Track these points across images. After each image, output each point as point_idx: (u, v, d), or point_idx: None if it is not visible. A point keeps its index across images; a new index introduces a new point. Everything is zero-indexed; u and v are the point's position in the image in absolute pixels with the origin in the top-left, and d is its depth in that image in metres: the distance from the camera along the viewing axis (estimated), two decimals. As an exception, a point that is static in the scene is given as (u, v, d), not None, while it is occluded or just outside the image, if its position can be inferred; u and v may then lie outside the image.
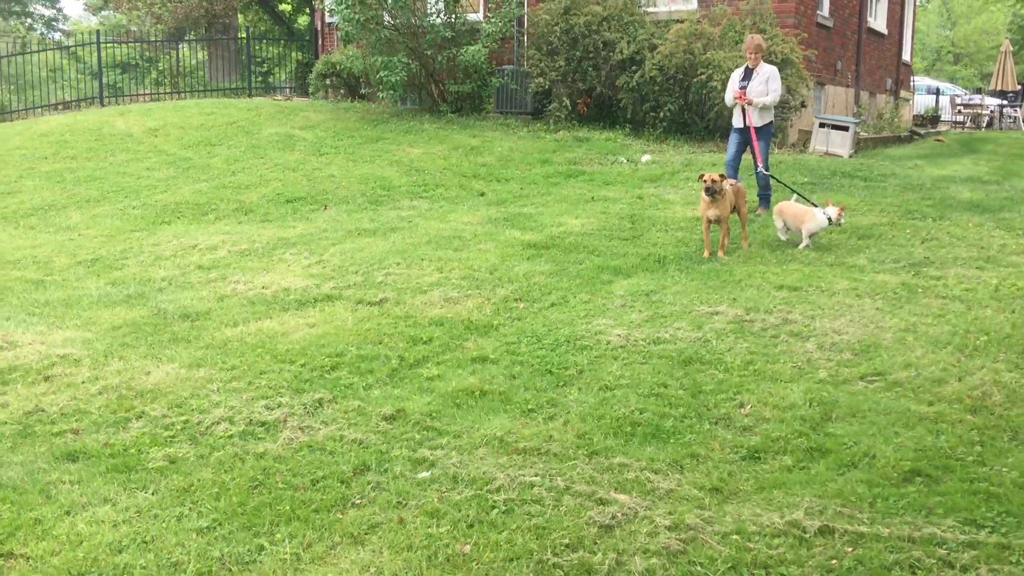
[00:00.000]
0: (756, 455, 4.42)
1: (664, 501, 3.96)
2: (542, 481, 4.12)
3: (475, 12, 16.59)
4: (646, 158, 13.34)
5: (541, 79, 15.11)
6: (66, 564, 3.45)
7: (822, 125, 14.38)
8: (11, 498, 3.96)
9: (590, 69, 14.82)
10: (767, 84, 10.09)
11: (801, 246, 8.59)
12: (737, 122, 10.43)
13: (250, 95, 20.25)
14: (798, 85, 14.16)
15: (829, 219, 8.44)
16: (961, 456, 4.34)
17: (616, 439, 4.60)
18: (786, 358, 5.69)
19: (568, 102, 15.07)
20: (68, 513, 3.86)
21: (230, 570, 3.44)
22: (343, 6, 14.58)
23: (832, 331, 6.14)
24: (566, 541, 3.62)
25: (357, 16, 14.46)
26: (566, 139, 14.45)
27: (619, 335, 6.14)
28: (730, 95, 10.38)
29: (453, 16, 15.42)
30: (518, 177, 12.53)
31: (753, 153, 10.25)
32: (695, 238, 8.98)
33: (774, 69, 10.23)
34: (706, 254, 8.43)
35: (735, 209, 8.77)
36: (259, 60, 25.53)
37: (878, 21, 20.34)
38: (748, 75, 10.28)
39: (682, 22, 14.45)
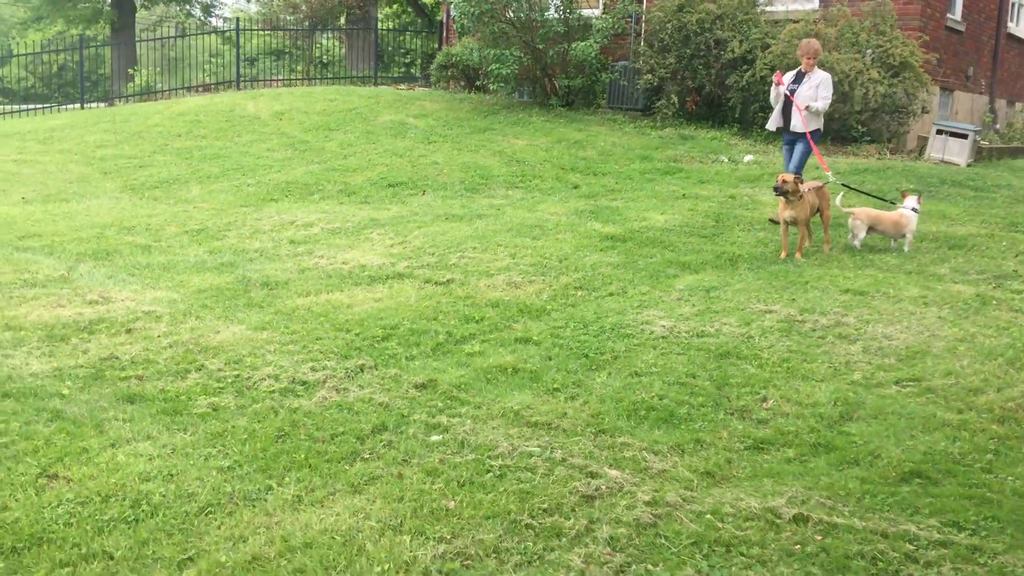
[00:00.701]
0: (760, 446, 4.51)
1: (653, 480, 4.12)
2: (541, 452, 4.35)
3: (593, 8, 16.74)
4: (748, 158, 13.23)
5: (651, 76, 15.16)
6: (98, 487, 3.90)
7: (939, 132, 13.87)
8: (68, 429, 4.46)
9: (700, 67, 14.76)
10: (816, 90, 9.59)
11: (907, 249, 8.51)
12: (771, 124, 10.11)
13: (375, 83, 21.03)
14: (917, 90, 13.73)
15: (914, 209, 8.51)
16: (969, 463, 4.31)
17: (628, 421, 4.77)
18: (824, 358, 5.70)
19: (676, 99, 15.06)
20: (113, 445, 4.33)
21: (236, 504, 3.82)
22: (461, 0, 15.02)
23: (883, 336, 6.09)
24: (545, 506, 3.84)
25: (473, 9, 14.86)
26: (671, 136, 14.46)
27: (664, 326, 6.26)
28: (774, 95, 9.98)
29: (568, 11, 15.63)
30: (615, 172, 12.66)
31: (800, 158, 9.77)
32: (776, 239, 8.94)
33: (827, 76, 9.74)
34: (783, 255, 8.40)
35: (818, 211, 8.69)
36: (390, 51, 26.43)
37: (1020, 27, 19.36)
38: (799, 79, 9.77)
39: (798, 22, 14.22)
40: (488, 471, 4.14)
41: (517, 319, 6.50)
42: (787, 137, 9.92)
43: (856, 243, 8.70)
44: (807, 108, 9.49)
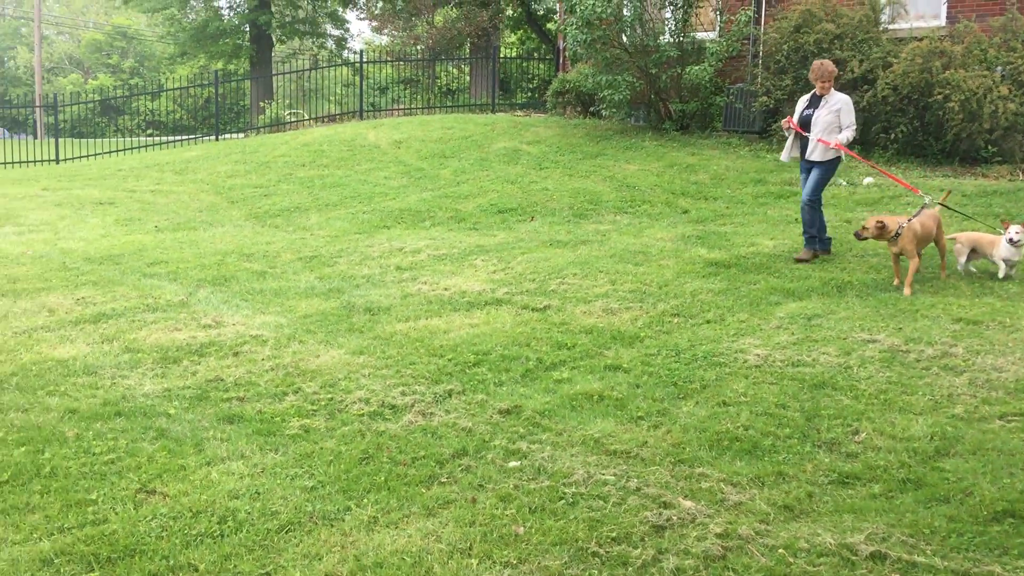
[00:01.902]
0: (846, 480, 4.38)
1: (728, 512, 4.06)
2: (616, 480, 4.34)
3: (707, 31, 16.61)
4: (868, 180, 12.82)
5: (767, 98, 14.89)
6: (190, 503, 4.13)
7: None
8: (170, 447, 4.74)
9: (818, 88, 14.42)
10: (838, 116, 8.94)
11: (1000, 275, 8.11)
12: (784, 155, 9.50)
13: (493, 111, 21.39)
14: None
15: (1012, 241, 7.92)
16: (1072, 504, 4.07)
17: (709, 451, 4.71)
18: (925, 391, 5.48)
19: (793, 122, 14.75)
20: (208, 464, 4.57)
21: (315, 523, 3.97)
22: (573, 27, 15.16)
23: (992, 368, 5.81)
24: (614, 535, 3.84)
25: (585, 36, 14.97)
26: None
27: (758, 355, 6.15)
28: (789, 135, 9.37)
29: (682, 35, 15.56)
30: (727, 196, 12.48)
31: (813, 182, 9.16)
32: (890, 265, 8.63)
33: (847, 99, 9.04)
34: (895, 282, 8.11)
35: (934, 240, 8.37)
36: (515, 77, 26.87)
37: None
38: (815, 103, 9.14)
39: (922, 40, 13.73)
40: (561, 498, 4.17)
41: (609, 346, 6.51)
42: (804, 165, 9.33)
43: (961, 268, 8.37)
44: (833, 146, 8.91)
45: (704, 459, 4.62)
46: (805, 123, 9.18)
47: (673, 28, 15.75)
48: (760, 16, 16.13)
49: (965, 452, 4.64)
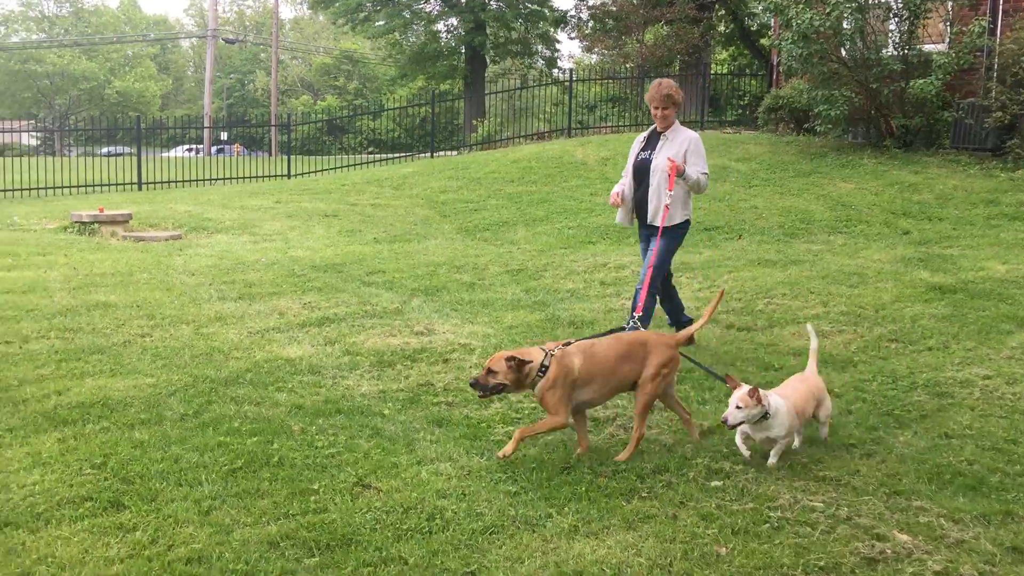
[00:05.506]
0: (1086, 526, 4.01)
1: (949, 549, 3.81)
2: (825, 508, 4.18)
3: (935, 43, 15.68)
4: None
5: (1002, 113, 13.87)
6: (402, 499, 4.33)
7: None
8: (384, 445, 5.00)
9: (1063, 102, 13.30)
10: (685, 157, 6.63)
11: None
12: (620, 218, 7.12)
13: (701, 128, 21.12)
14: None
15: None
16: None
17: (928, 485, 4.45)
18: None
19: (1033, 138, 13.66)
20: (419, 463, 4.78)
21: (518, 527, 4.07)
22: (789, 41, 14.74)
23: None
24: (821, 563, 3.70)
25: (801, 51, 14.52)
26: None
27: (987, 385, 5.75)
28: (622, 183, 7.05)
29: (907, 47, 14.78)
30: (953, 217, 11.73)
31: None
32: None
33: (695, 136, 6.77)
34: None
35: None
36: (726, 93, 26.45)
37: None
38: (652, 143, 6.89)
39: None
40: (765, 522, 4.07)
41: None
42: (643, 232, 7.11)
43: None
44: (679, 173, 6.50)
45: (922, 492, 4.36)
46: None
47: (897, 40, 14.99)
48: (996, 26, 15.05)
49: None
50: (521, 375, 4.77)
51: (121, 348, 6.89)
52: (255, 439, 5.06)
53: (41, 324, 7.50)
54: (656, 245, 6.66)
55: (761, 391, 4.64)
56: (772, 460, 4.69)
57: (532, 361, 4.78)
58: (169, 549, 3.84)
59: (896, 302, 7.91)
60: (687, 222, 6.93)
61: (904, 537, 3.91)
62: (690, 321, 7.01)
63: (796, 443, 4.91)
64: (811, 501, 4.26)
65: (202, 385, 6.01)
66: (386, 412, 5.55)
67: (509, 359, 4.74)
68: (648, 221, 6.85)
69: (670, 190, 6.60)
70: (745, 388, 4.64)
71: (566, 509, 4.24)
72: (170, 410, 5.53)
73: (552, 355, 4.82)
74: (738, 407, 4.60)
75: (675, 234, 6.88)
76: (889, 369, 6.20)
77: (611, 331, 5.66)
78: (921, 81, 14.17)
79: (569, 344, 4.96)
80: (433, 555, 3.84)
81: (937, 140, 15.47)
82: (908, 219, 11.84)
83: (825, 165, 14.80)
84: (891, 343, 6.83)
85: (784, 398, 4.73)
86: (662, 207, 6.65)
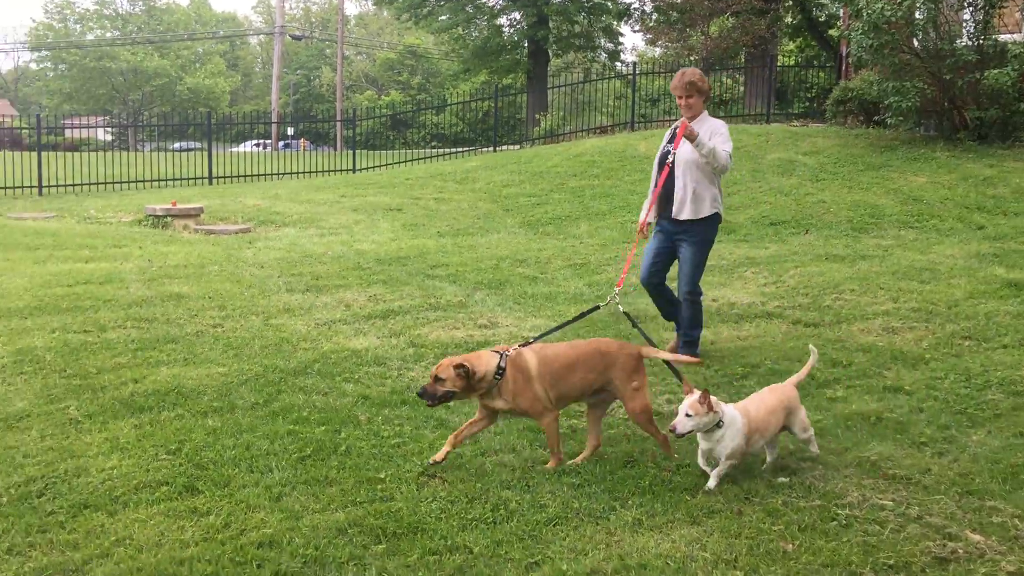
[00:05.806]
0: None
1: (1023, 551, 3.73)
2: (895, 507, 4.12)
3: (1013, 32, 15.23)
4: None
5: (1083, 103, 13.43)
6: (466, 489, 4.38)
7: None
8: (448, 435, 5.04)
9: None
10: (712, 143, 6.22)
11: None
12: (646, 213, 6.71)
13: (767, 121, 20.83)
14: None
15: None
16: None
17: (1002, 484, 4.35)
18: None
19: (1115, 130, 13.20)
20: (482, 454, 4.84)
21: (581, 519, 4.09)
22: (859, 32, 14.45)
23: None
24: (891, 562, 3.64)
25: (871, 41, 14.22)
26: (1105, 172, 12.69)
27: (1065, 385, 5.59)
28: (655, 174, 6.69)
29: (982, 37, 14.38)
30: (1031, 211, 11.39)
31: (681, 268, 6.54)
32: None
33: (721, 123, 6.42)
34: None
35: None
36: (793, 86, 26.02)
37: None
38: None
39: None
40: (833, 519, 4.02)
41: (889, 366, 6.17)
42: (661, 224, 6.68)
43: None
44: (697, 144, 6.10)
45: (996, 492, 4.27)
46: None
47: (972, 30, 14.59)
48: (1077, 14, 14.57)
49: None
50: (472, 381, 4.58)
51: (194, 338, 7.08)
52: (323, 428, 5.16)
53: (118, 314, 7.73)
54: (684, 252, 6.49)
55: (713, 398, 4.32)
56: (711, 483, 4.32)
57: (481, 367, 4.60)
58: (241, 533, 3.94)
59: (970, 298, 7.72)
60: (717, 216, 6.56)
61: (977, 537, 3.83)
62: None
63: (770, 457, 4.61)
64: (880, 499, 4.20)
65: (272, 375, 6.14)
66: (450, 403, 5.60)
67: (457, 366, 4.55)
68: (673, 215, 6.53)
69: (676, 148, 6.33)
70: (696, 394, 4.29)
71: (630, 502, 4.24)
72: (241, 399, 5.67)
73: (507, 356, 4.66)
74: (688, 415, 4.27)
75: (705, 236, 6.57)
76: (962, 367, 6.06)
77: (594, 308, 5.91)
78: (996, 72, 13.76)
79: (527, 344, 4.85)
80: (497, 545, 3.88)
81: (1014, 133, 15.01)
82: (983, 214, 11.54)
83: (896, 158, 14.48)
84: (964, 340, 6.68)
85: (743, 412, 4.40)
86: (688, 199, 6.38)
